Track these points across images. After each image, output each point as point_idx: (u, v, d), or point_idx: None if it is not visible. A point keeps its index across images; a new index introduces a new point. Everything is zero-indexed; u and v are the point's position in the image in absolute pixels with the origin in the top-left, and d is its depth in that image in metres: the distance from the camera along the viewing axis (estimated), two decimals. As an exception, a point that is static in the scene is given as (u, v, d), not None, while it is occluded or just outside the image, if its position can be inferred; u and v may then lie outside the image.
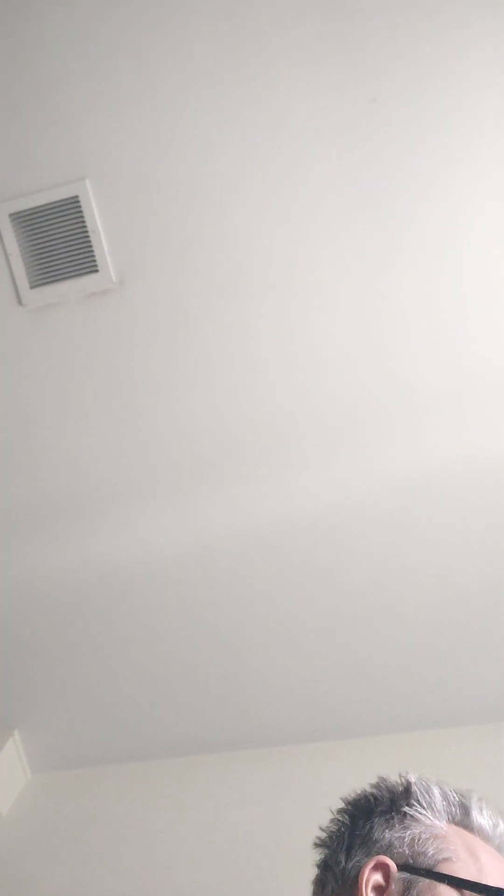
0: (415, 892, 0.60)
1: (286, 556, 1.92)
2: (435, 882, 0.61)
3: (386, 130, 1.59)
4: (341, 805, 0.73)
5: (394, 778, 0.73)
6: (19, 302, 1.82)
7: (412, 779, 0.72)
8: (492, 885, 0.61)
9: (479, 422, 1.75)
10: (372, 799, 0.71)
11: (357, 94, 1.58)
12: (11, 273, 1.80)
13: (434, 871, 0.62)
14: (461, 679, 1.93)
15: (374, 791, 0.72)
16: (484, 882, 0.61)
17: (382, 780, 0.73)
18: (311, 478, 1.85)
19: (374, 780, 0.74)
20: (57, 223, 1.75)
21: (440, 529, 1.84)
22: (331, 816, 0.73)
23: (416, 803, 0.69)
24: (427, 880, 0.61)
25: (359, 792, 0.73)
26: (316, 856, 0.71)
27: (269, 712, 2.06)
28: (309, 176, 1.64)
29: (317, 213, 1.66)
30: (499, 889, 0.59)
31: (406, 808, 0.68)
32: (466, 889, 0.60)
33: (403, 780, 0.72)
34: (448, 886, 0.60)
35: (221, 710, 2.08)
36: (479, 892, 0.60)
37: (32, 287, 1.80)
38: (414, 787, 0.71)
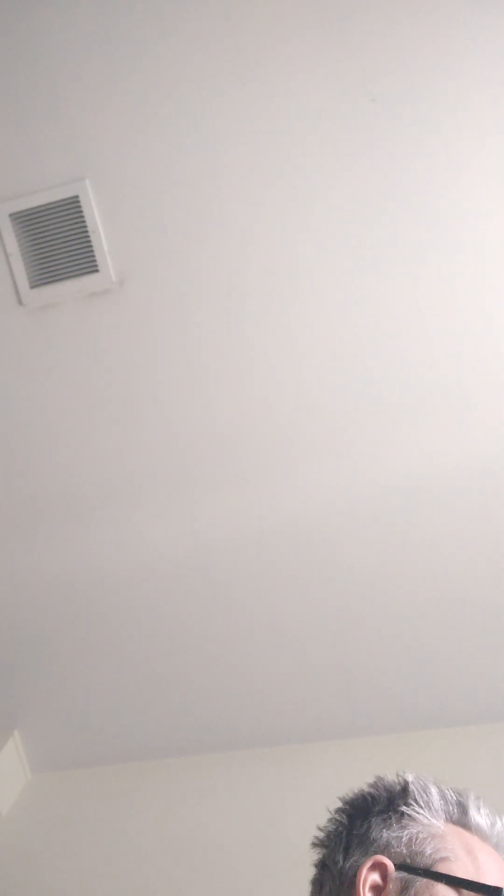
0: (412, 892, 0.60)
1: (285, 556, 1.92)
2: (433, 881, 0.60)
3: (386, 130, 1.59)
4: (339, 805, 0.73)
5: (391, 777, 0.72)
6: (19, 302, 1.82)
7: (409, 778, 0.71)
8: (490, 883, 0.60)
9: (476, 423, 1.75)
10: (369, 798, 0.71)
11: (357, 94, 1.58)
12: (11, 273, 1.80)
13: (432, 870, 0.62)
14: (461, 679, 1.93)
15: (372, 791, 0.72)
16: (482, 881, 0.61)
17: (380, 779, 0.73)
18: (310, 478, 1.85)
19: (371, 780, 0.73)
20: (57, 223, 1.75)
21: (439, 529, 1.83)
22: (328, 816, 0.72)
23: (413, 803, 0.68)
24: (425, 879, 0.61)
25: (356, 792, 0.73)
26: (314, 856, 0.71)
27: (269, 712, 2.06)
28: (309, 176, 1.64)
29: (316, 213, 1.66)
30: (497, 888, 0.59)
31: (403, 808, 0.68)
32: (464, 888, 0.60)
33: (401, 779, 0.72)
34: (446, 886, 0.60)
35: (221, 710, 2.08)
36: (477, 891, 0.60)
37: (32, 287, 1.80)
38: (411, 787, 0.70)
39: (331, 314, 1.73)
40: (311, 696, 2.03)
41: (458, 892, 0.60)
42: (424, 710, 1.97)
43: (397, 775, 0.72)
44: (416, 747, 1.89)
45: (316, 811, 0.77)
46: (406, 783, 0.71)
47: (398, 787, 0.71)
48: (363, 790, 0.72)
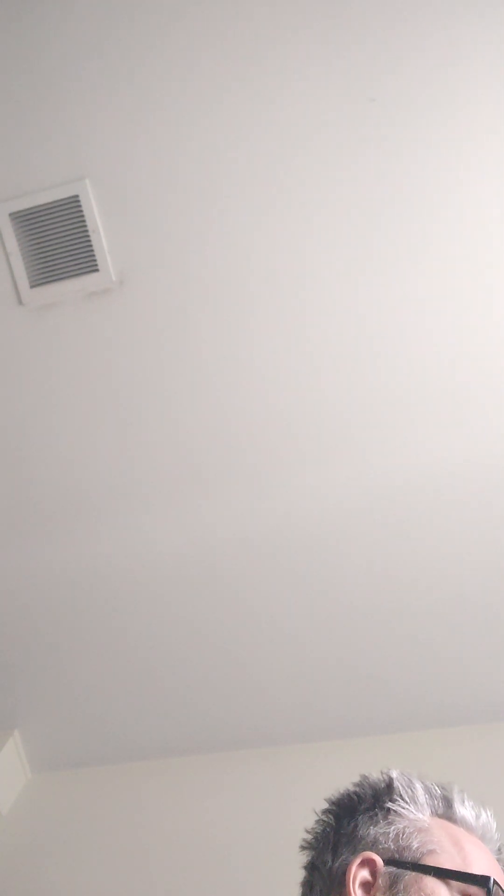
0: (401, 886, 0.61)
1: (285, 556, 1.92)
2: (421, 874, 0.61)
3: (386, 130, 1.59)
4: (325, 806, 0.73)
5: (376, 775, 0.73)
6: (19, 302, 1.82)
7: (394, 774, 0.72)
8: (477, 873, 0.61)
9: (480, 423, 1.75)
10: (355, 797, 0.72)
11: (357, 94, 1.58)
12: (11, 273, 1.80)
13: (420, 863, 0.63)
14: (461, 679, 1.93)
15: (357, 789, 0.73)
16: (469, 871, 0.62)
17: (364, 778, 0.74)
18: (311, 479, 1.85)
19: (356, 780, 0.74)
20: (57, 223, 1.75)
21: (439, 530, 1.83)
22: (315, 818, 0.73)
23: (398, 798, 0.69)
24: (413, 873, 0.61)
25: (342, 791, 0.74)
26: (303, 859, 0.71)
27: (268, 712, 2.06)
28: (309, 175, 1.64)
29: (316, 213, 1.66)
30: (485, 876, 0.60)
31: (389, 804, 0.69)
32: (452, 879, 0.61)
33: (385, 776, 0.72)
34: (434, 878, 0.61)
35: (221, 710, 2.08)
36: (465, 881, 0.60)
37: (32, 287, 1.80)
38: (396, 783, 0.71)
39: (333, 313, 1.73)
40: (311, 696, 2.02)
41: (447, 883, 0.61)
42: (424, 710, 1.97)
43: (381, 772, 0.73)
44: (416, 747, 1.88)
45: (316, 811, 0.77)
46: (391, 780, 0.72)
47: (383, 784, 0.72)
48: (348, 789, 0.73)
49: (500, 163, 1.58)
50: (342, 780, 0.78)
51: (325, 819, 0.72)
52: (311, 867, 0.70)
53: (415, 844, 0.64)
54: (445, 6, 1.50)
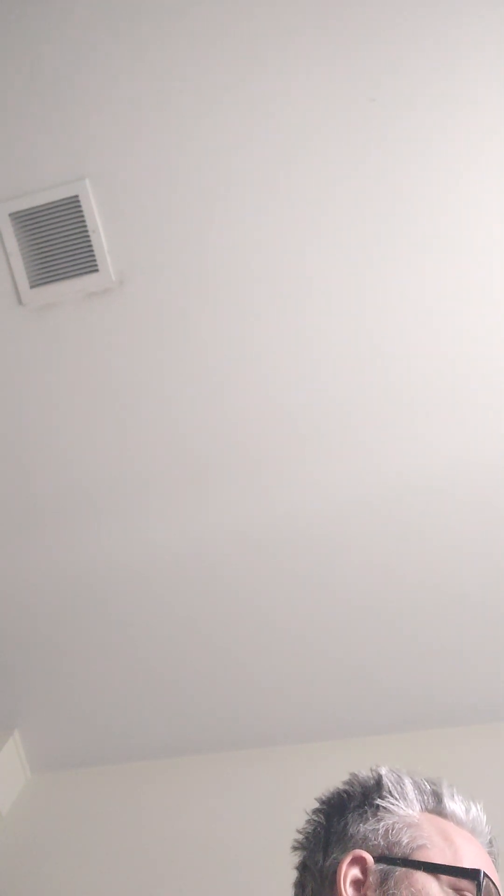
0: (392, 882, 0.61)
1: (285, 556, 1.92)
2: (412, 870, 0.61)
3: (385, 130, 1.59)
4: (315, 805, 0.74)
5: (365, 773, 0.73)
6: (19, 302, 1.82)
7: (383, 771, 0.72)
8: (467, 866, 0.61)
9: (479, 421, 1.75)
10: (345, 795, 0.72)
11: (357, 94, 1.58)
12: (11, 273, 1.80)
13: (410, 859, 0.63)
14: (461, 679, 1.93)
15: (347, 787, 0.73)
16: (460, 865, 0.62)
17: (354, 775, 0.74)
18: (311, 478, 1.85)
19: (346, 778, 0.74)
20: (57, 223, 1.75)
21: (439, 529, 1.83)
22: (306, 818, 0.73)
23: (388, 795, 0.69)
24: (404, 868, 0.62)
25: (332, 790, 0.74)
26: (294, 859, 0.71)
27: (268, 712, 2.06)
28: (309, 175, 1.64)
29: (317, 213, 1.66)
30: (475, 870, 0.60)
31: (378, 801, 0.69)
32: (442, 873, 0.61)
33: (374, 773, 0.73)
34: (424, 872, 0.61)
35: (221, 710, 2.08)
36: (455, 875, 0.60)
37: (32, 287, 1.80)
38: (385, 780, 0.71)
39: (333, 312, 1.73)
40: (311, 696, 2.02)
41: (437, 877, 0.61)
42: (424, 710, 1.97)
43: (371, 770, 0.73)
44: (416, 747, 1.88)
45: (307, 811, 0.77)
46: (380, 776, 0.72)
47: (372, 782, 0.72)
48: (338, 788, 0.73)
49: (500, 163, 1.58)
50: (342, 781, 0.78)
51: (316, 818, 0.72)
52: (302, 867, 0.71)
53: (405, 840, 0.64)
54: (445, 6, 1.50)
